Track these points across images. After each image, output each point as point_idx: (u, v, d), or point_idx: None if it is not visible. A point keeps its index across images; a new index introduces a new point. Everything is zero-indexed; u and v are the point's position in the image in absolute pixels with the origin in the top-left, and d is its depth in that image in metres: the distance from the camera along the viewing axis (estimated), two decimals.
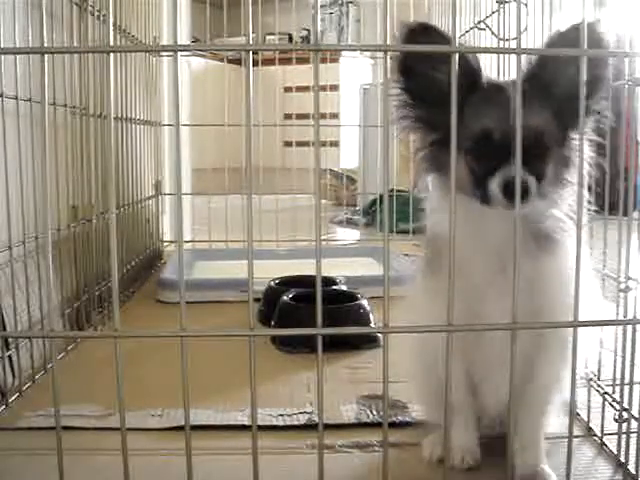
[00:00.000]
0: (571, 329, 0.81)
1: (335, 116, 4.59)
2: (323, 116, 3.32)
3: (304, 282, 1.81)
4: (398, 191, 2.94)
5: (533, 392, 0.96)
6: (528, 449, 0.96)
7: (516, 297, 0.76)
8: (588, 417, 1.13)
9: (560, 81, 0.87)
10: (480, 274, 0.91)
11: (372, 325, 1.67)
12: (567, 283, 0.83)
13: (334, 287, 1.88)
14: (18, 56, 1.31)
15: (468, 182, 0.88)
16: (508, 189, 0.82)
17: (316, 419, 1.15)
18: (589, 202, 0.92)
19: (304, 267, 1.75)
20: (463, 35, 2.02)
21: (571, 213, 0.90)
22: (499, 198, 0.84)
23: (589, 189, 0.93)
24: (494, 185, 0.84)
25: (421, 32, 0.83)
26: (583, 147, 0.80)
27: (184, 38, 3.10)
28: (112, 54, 0.71)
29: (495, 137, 0.85)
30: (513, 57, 0.76)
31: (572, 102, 0.79)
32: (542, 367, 0.95)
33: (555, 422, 1.00)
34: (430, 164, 0.92)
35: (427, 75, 0.86)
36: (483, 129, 0.86)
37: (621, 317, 1.01)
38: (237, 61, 4.46)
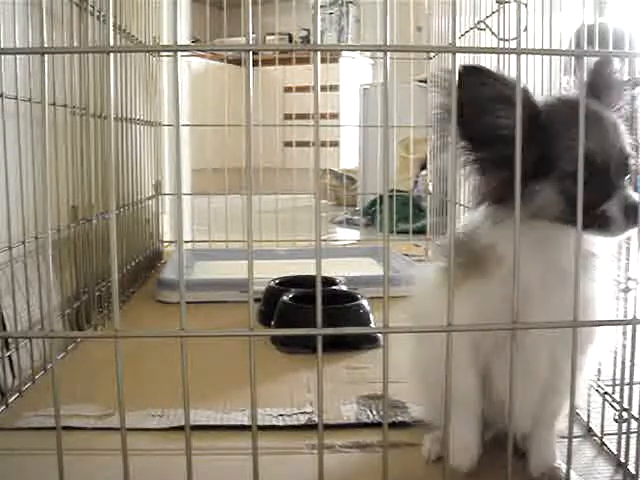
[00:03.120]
0: (594, 341, 0.83)
1: (335, 116, 4.60)
2: (323, 116, 3.32)
3: (304, 282, 1.81)
4: (398, 191, 2.95)
5: (553, 396, 0.96)
6: (544, 447, 0.97)
7: (517, 297, 0.76)
8: (588, 417, 1.13)
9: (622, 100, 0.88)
10: (538, 292, 0.89)
11: (372, 325, 1.67)
12: (608, 301, 0.88)
13: (334, 287, 1.88)
14: (18, 56, 1.31)
15: (564, 208, 0.84)
16: (632, 213, 0.81)
17: (316, 419, 1.15)
18: None
19: (304, 267, 1.75)
20: (463, 35, 2.02)
21: None
22: (621, 222, 0.82)
23: None
24: (614, 210, 0.82)
25: (475, 74, 0.81)
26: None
27: (184, 38, 3.10)
28: (112, 54, 0.71)
29: (597, 160, 0.82)
30: (513, 57, 0.76)
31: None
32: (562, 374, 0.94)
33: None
34: (498, 198, 0.87)
35: (490, 122, 0.82)
36: (587, 153, 0.77)
37: (621, 317, 1.01)
38: (237, 61, 4.47)
